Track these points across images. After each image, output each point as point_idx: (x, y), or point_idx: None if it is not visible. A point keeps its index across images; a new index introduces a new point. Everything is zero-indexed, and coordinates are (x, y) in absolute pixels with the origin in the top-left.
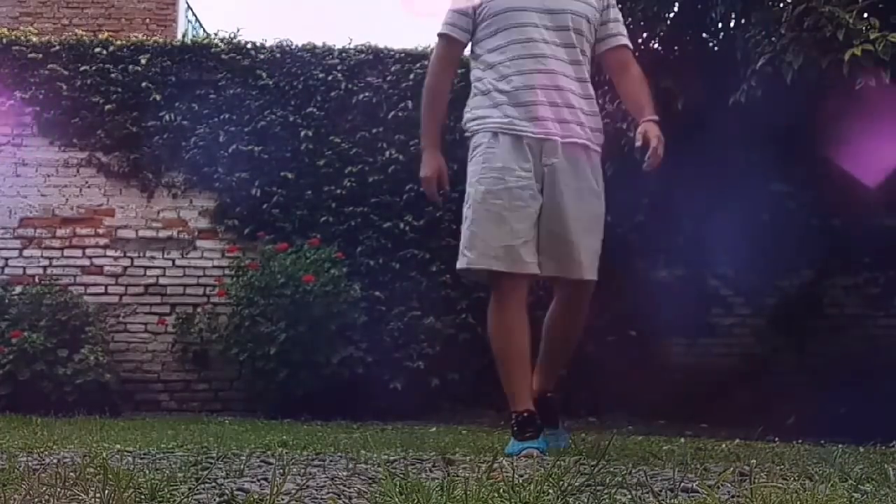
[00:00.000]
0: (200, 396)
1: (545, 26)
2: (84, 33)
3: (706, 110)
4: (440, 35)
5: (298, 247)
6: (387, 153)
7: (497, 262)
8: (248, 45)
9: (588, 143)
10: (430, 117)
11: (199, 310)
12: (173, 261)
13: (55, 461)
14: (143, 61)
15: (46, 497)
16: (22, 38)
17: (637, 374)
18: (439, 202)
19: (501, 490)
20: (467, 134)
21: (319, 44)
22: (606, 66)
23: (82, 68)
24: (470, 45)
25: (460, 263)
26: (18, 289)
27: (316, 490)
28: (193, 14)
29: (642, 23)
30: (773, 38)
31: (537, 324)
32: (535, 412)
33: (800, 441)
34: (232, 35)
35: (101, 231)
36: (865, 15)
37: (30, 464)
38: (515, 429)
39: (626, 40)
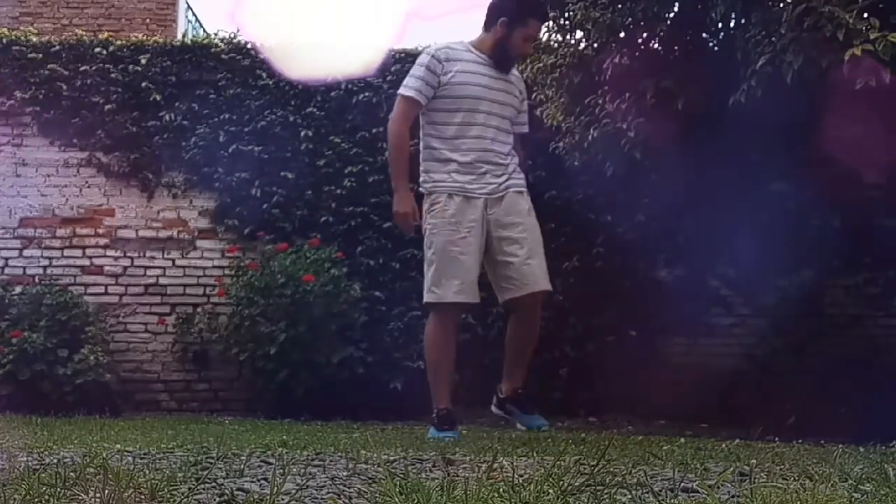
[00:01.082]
0: (200, 396)
1: (492, 112)
2: (84, 33)
3: (706, 110)
4: (406, 97)
5: (298, 247)
6: (387, 153)
7: (457, 296)
8: (248, 45)
9: (520, 189)
10: (399, 165)
11: (199, 310)
12: (173, 261)
13: (55, 461)
14: (143, 61)
15: (46, 497)
16: (22, 38)
17: (637, 374)
18: (413, 233)
19: (501, 490)
20: (422, 190)
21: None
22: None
23: (82, 68)
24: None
25: (428, 298)
26: (18, 289)
27: (316, 490)
28: (193, 14)
29: (642, 23)
30: (773, 38)
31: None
32: (451, 409)
33: (800, 441)
34: (232, 35)
35: (101, 231)
36: (865, 15)
37: (30, 464)
38: (436, 421)
39: (526, 129)
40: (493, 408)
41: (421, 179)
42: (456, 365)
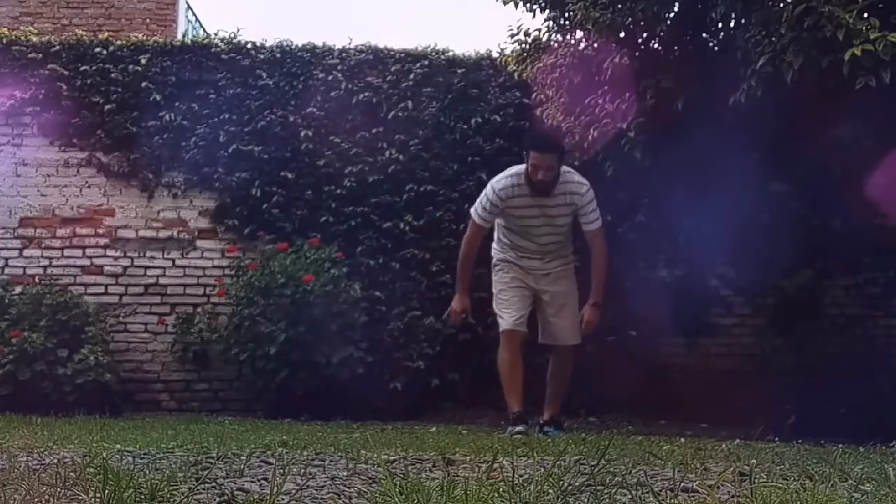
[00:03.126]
0: (200, 396)
1: (541, 227)
2: (84, 33)
3: (706, 110)
4: (476, 223)
5: (298, 247)
6: (387, 153)
7: (514, 324)
8: (248, 45)
9: (563, 268)
10: (463, 274)
11: (199, 310)
12: (173, 261)
13: (55, 461)
14: (143, 61)
15: (46, 497)
16: (22, 38)
17: (637, 374)
18: (458, 325)
19: (501, 490)
20: (494, 261)
21: (319, 44)
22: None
23: (82, 68)
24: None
25: (502, 325)
26: (18, 289)
27: (316, 490)
28: (193, 14)
29: (642, 23)
30: (773, 38)
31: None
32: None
33: (800, 441)
34: (232, 35)
35: (101, 231)
36: (865, 15)
37: (30, 464)
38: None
39: (594, 226)
40: (536, 430)
41: (492, 250)
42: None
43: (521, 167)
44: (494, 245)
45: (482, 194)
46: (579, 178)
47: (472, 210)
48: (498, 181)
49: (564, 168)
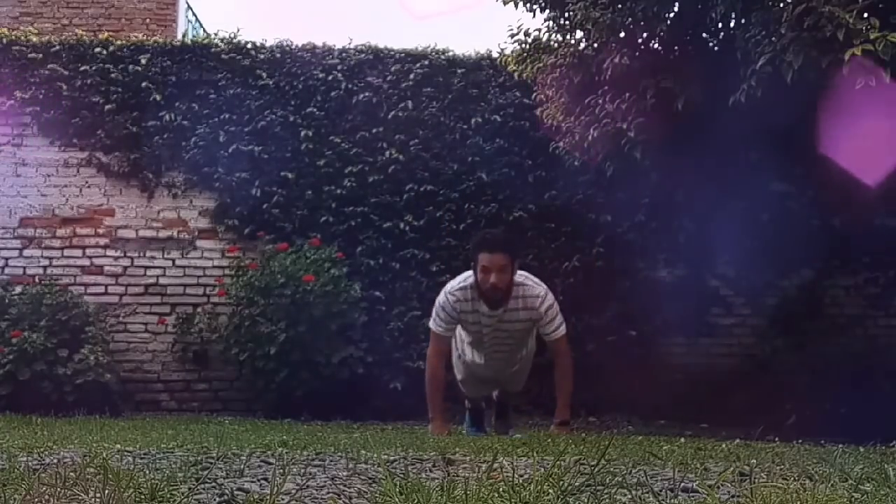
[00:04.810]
0: (200, 396)
1: (495, 340)
2: (84, 33)
3: (706, 110)
4: (434, 333)
5: (298, 247)
6: (387, 153)
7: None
8: (248, 45)
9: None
10: (433, 399)
11: (199, 310)
12: (173, 261)
13: (55, 461)
14: (143, 61)
15: (46, 497)
16: (22, 38)
17: (637, 374)
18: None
19: (501, 490)
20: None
21: (319, 44)
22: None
23: (82, 68)
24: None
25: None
26: (18, 289)
27: (316, 490)
28: (193, 14)
29: (642, 23)
30: (773, 38)
31: None
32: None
33: (800, 441)
34: (232, 35)
35: (101, 231)
36: (865, 15)
37: (30, 464)
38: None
39: (558, 335)
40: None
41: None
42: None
43: (472, 277)
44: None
45: (437, 303)
46: (534, 286)
47: (431, 321)
48: (451, 289)
49: (518, 277)
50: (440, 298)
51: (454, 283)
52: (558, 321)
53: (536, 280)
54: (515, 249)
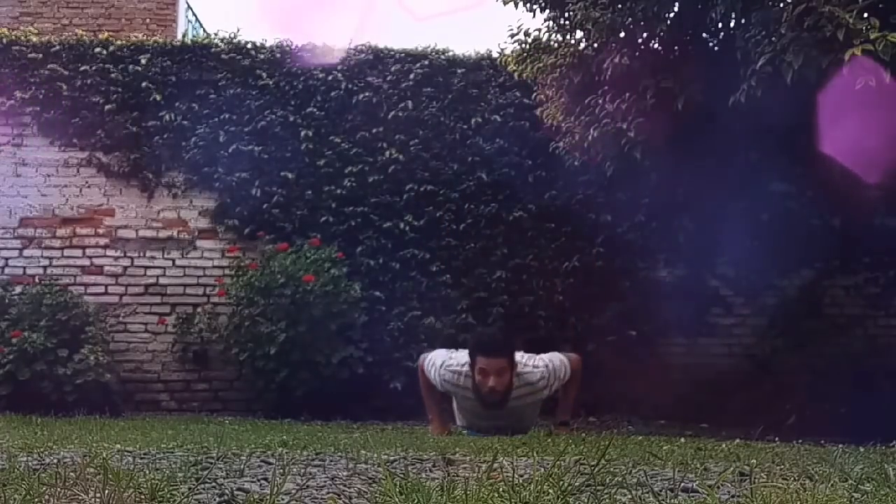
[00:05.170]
0: (200, 396)
1: (496, 419)
2: (84, 33)
3: (706, 110)
4: (427, 377)
5: (298, 247)
6: (387, 153)
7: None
8: (248, 45)
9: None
10: (431, 404)
11: (199, 310)
12: (173, 261)
13: (55, 461)
14: (143, 61)
15: (46, 497)
16: (22, 38)
17: (637, 374)
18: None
19: (501, 490)
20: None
21: (319, 44)
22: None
23: (82, 68)
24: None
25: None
26: (18, 289)
27: (316, 490)
28: (193, 14)
29: (642, 23)
30: (773, 38)
31: None
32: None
33: (800, 441)
34: (232, 35)
35: (101, 231)
36: (865, 15)
37: (30, 464)
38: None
39: (571, 370)
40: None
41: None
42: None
43: (467, 367)
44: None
45: (432, 365)
46: (533, 368)
47: (428, 363)
48: (447, 368)
49: (517, 362)
50: (436, 362)
51: (452, 361)
52: (566, 368)
53: (537, 360)
54: (513, 352)
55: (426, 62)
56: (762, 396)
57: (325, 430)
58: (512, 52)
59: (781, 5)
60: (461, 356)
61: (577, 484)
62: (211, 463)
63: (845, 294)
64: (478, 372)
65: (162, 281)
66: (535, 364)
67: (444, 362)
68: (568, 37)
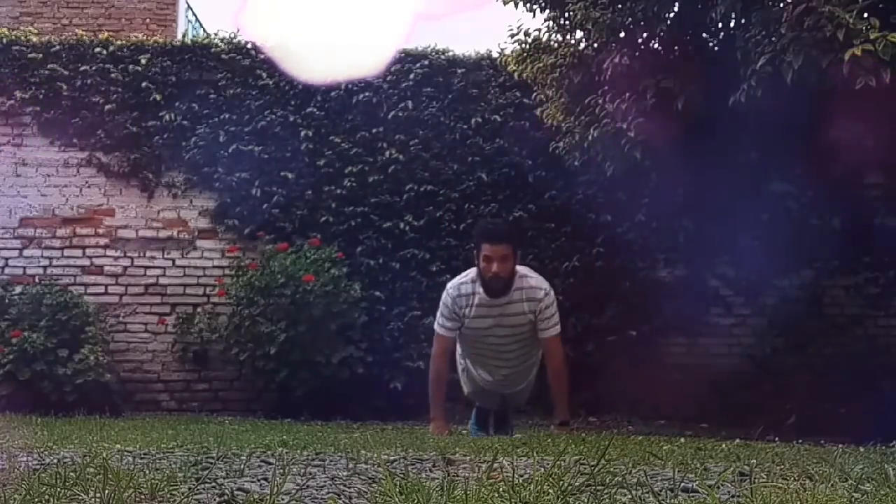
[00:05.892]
0: (200, 396)
1: (500, 337)
2: (84, 33)
3: (706, 110)
4: (439, 336)
5: (298, 247)
6: (387, 153)
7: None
8: (248, 45)
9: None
10: (436, 398)
11: (199, 310)
12: (173, 261)
13: (55, 461)
14: (143, 61)
15: (46, 497)
16: (22, 38)
17: (637, 374)
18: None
19: (501, 490)
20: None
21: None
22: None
23: (82, 68)
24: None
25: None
26: (18, 289)
27: (316, 490)
28: (193, 14)
29: (642, 23)
30: (773, 38)
31: None
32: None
33: (800, 441)
34: (232, 35)
35: (101, 231)
36: (865, 15)
37: (30, 464)
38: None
39: (552, 332)
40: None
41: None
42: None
43: (475, 270)
44: (459, 372)
45: (441, 303)
46: (537, 279)
47: (435, 323)
48: (453, 285)
49: (521, 270)
50: (443, 297)
51: (455, 280)
52: (555, 319)
53: (541, 278)
54: (518, 240)
55: (426, 62)
56: (762, 396)
57: (325, 430)
58: (512, 52)
59: (781, 5)
60: (464, 272)
61: (577, 484)
62: (211, 463)
63: (845, 294)
64: (483, 259)
65: (162, 281)
66: (539, 278)
67: (450, 286)
68: (568, 37)
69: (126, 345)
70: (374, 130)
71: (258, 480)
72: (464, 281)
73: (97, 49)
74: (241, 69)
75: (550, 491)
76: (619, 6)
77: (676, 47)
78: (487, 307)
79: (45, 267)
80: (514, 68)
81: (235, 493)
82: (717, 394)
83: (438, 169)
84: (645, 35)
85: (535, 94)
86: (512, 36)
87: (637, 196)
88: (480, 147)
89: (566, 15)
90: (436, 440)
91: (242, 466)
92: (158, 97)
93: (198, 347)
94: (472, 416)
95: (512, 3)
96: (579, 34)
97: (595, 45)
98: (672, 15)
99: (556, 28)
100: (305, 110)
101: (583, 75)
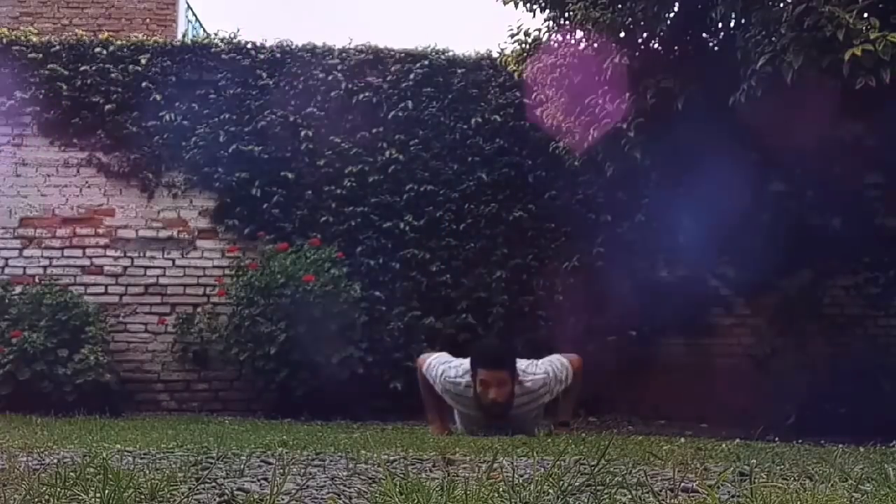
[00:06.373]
0: (200, 396)
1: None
2: (84, 33)
3: (706, 110)
4: (422, 358)
5: (298, 247)
6: (387, 153)
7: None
8: (248, 45)
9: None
10: (430, 403)
11: (199, 310)
12: (173, 261)
13: (55, 461)
14: (143, 61)
15: (46, 497)
16: (22, 38)
17: (637, 374)
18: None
19: (501, 490)
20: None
21: (319, 44)
22: None
23: (82, 68)
24: None
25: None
26: (18, 289)
27: (316, 490)
28: (193, 14)
29: (642, 23)
30: (773, 38)
31: None
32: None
33: (800, 441)
34: (232, 35)
35: (101, 231)
36: (865, 15)
37: (30, 464)
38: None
39: (572, 369)
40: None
41: None
42: None
43: (468, 376)
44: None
45: (434, 360)
46: (534, 374)
47: (428, 365)
48: (450, 377)
49: (518, 367)
50: (437, 370)
51: (449, 373)
52: (567, 371)
53: (534, 364)
54: (515, 362)
55: (426, 62)
56: (762, 396)
57: (325, 430)
58: (512, 52)
59: (781, 5)
60: (460, 365)
61: (577, 484)
62: (211, 463)
63: (845, 294)
64: (479, 384)
65: (162, 281)
66: (535, 372)
67: (443, 371)
68: (568, 37)
69: (126, 345)
70: (374, 130)
71: (258, 480)
72: (458, 382)
73: (97, 49)
74: (241, 69)
75: (550, 491)
76: (619, 6)
77: (676, 47)
78: (485, 418)
79: (45, 267)
80: (514, 68)
81: (235, 493)
82: (717, 394)
83: (438, 169)
84: (645, 35)
85: (535, 94)
86: (512, 36)
87: (637, 196)
88: (480, 147)
89: (566, 15)
90: (436, 440)
91: (242, 466)
92: (158, 97)
93: (198, 347)
94: None
95: (512, 3)
96: (579, 34)
97: (595, 45)
98: (672, 15)
99: (556, 28)
100: (305, 110)
101: (583, 75)
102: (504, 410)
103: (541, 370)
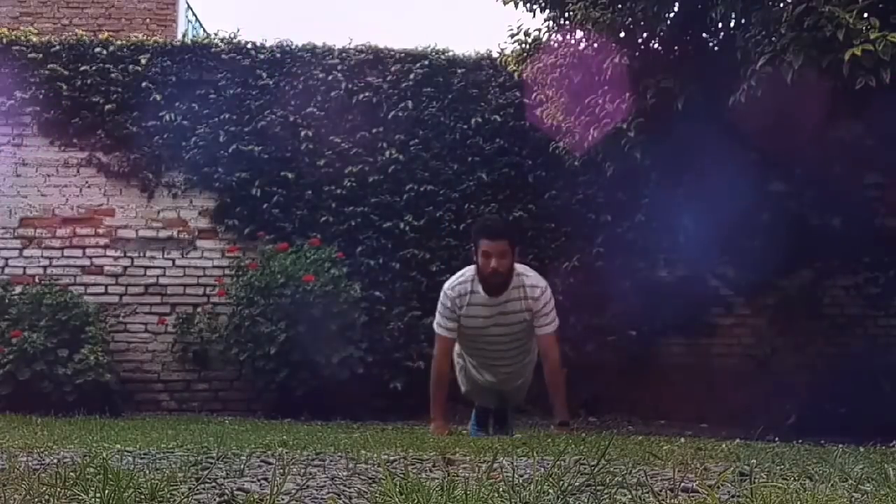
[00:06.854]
0: (200, 396)
1: (497, 336)
2: (84, 33)
3: (706, 110)
4: (440, 336)
5: (298, 247)
6: (387, 153)
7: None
8: (248, 45)
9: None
10: (436, 400)
11: (199, 310)
12: (173, 261)
13: (55, 461)
14: (143, 61)
15: (46, 497)
16: (22, 38)
17: (637, 374)
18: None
19: (501, 490)
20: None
21: (319, 44)
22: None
23: (82, 68)
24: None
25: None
26: (18, 289)
27: (316, 490)
28: (193, 14)
29: (642, 23)
30: (773, 38)
31: None
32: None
33: (800, 441)
34: (232, 35)
35: (101, 231)
36: (865, 15)
37: (30, 464)
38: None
39: (549, 329)
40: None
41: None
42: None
43: (473, 268)
44: (457, 372)
45: (439, 303)
46: (534, 276)
47: (434, 324)
48: (450, 285)
49: (519, 268)
50: (440, 296)
51: (452, 279)
52: (552, 317)
53: (538, 275)
54: (516, 236)
55: (426, 62)
56: (762, 396)
57: (325, 430)
58: (512, 52)
59: (781, 5)
60: (462, 270)
61: (577, 484)
62: (211, 463)
63: (845, 294)
64: (481, 255)
65: (162, 281)
66: (537, 275)
67: (448, 285)
68: (568, 37)
69: (126, 345)
70: (374, 130)
71: (258, 480)
72: (461, 280)
73: (97, 49)
74: (241, 69)
75: (550, 491)
76: (619, 6)
77: (676, 47)
78: (485, 306)
79: (45, 267)
80: (514, 68)
81: (235, 493)
82: (717, 394)
83: (438, 169)
84: (645, 35)
85: (535, 94)
86: (512, 36)
87: (637, 196)
88: (480, 147)
89: (566, 15)
90: (436, 440)
91: (242, 466)
92: (158, 97)
93: (198, 347)
94: (472, 416)
95: (512, 3)
96: (579, 34)
97: (595, 45)
98: (672, 15)
99: (556, 28)
100: (305, 110)
101: (583, 75)
102: (504, 283)
103: (543, 281)
